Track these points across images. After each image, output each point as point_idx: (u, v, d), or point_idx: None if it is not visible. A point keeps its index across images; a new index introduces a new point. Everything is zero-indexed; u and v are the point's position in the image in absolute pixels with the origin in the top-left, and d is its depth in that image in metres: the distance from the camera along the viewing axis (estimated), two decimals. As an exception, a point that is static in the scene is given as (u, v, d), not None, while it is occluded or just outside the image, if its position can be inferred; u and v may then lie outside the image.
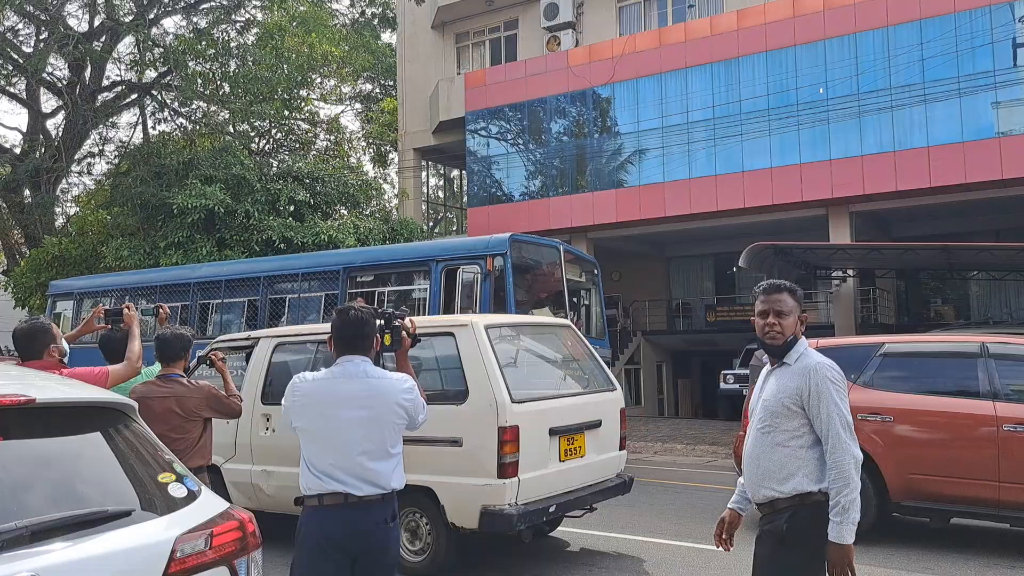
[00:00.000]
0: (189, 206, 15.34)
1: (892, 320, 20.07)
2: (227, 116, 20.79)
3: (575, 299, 10.81)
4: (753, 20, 17.24)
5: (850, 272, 17.16)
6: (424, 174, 26.05)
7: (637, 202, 18.21)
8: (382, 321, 3.41)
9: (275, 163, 19.76)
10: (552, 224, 18.83)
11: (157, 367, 4.46)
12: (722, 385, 16.23)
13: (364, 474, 3.04)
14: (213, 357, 4.79)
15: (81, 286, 13.84)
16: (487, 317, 6.21)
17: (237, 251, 15.71)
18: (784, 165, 16.68)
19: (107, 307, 4.86)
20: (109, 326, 4.72)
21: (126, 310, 4.45)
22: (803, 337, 2.97)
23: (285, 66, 19.67)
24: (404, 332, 3.45)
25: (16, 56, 19.68)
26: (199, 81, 19.82)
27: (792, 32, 16.77)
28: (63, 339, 3.89)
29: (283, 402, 3.25)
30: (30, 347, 3.69)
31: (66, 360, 3.90)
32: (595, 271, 11.41)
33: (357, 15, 21.67)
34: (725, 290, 23.41)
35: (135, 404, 2.67)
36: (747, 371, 13.49)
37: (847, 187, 16.10)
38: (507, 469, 5.05)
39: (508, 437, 5.06)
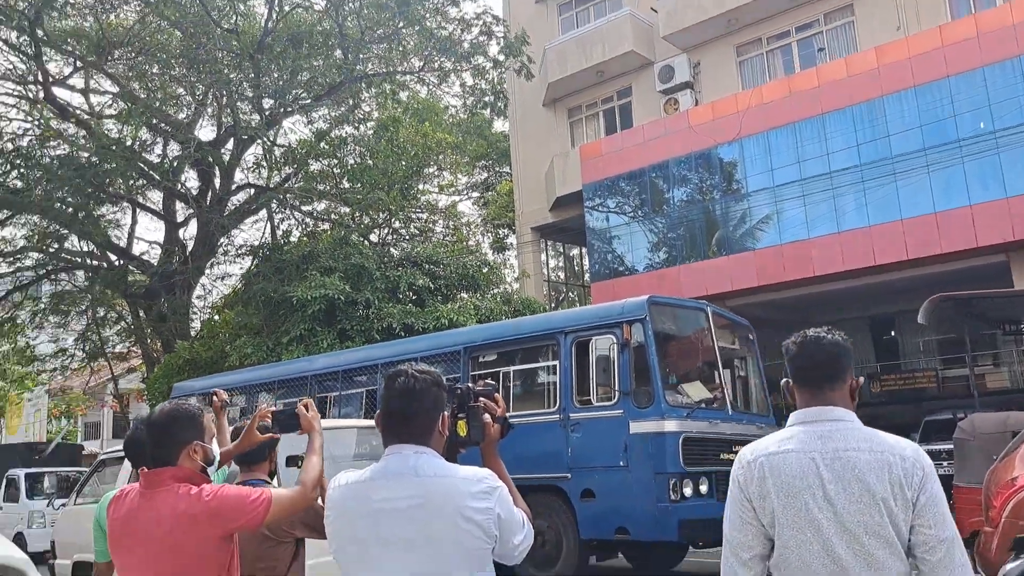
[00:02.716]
0: (309, 298, 15.02)
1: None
2: (346, 211, 20.92)
3: (730, 369, 9.34)
4: (895, 55, 15.67)
5: (1047, 324, 14.68)
6: (543, 255, 25.32)
7: (779, 263, 16.54)
8: (454, 400, 2.27)
9: (395, 251, 19.47)
10: (683, 295, 17.37)
11: (223, 470, 3.43)
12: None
13: None
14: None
15: (203, 386, 13.51)
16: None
17: (358, 341, 15.17)
18: (950, 208, 14.70)
19: (275, 408, 3.03)
20: (277, 434, 2.99)
21: (303, 409, 2.77)
22: None
23: (402, 159, 19.70)
24: (488, 416, 2.28)
25: (151, 171, 20.57)
26: (317, 180, 20.12)
27: (943, 62, 15.05)
28: (215, 441, 2.59)
29: None
30: (164, 444, 2.41)
31: (211, 471, 2.53)
32: (750, 336, 9.91)
33: (469, 103, 21.69)
34: (886, 356, 20.96)
35: (31, 567, 1.59)
36: (949, 446, 11.43)
37: (1031, 226, 13.93)
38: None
39: None
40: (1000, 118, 14.31)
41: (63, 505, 11.17)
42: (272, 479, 3.84)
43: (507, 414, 2.37)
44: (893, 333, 21.33)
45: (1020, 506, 5.20)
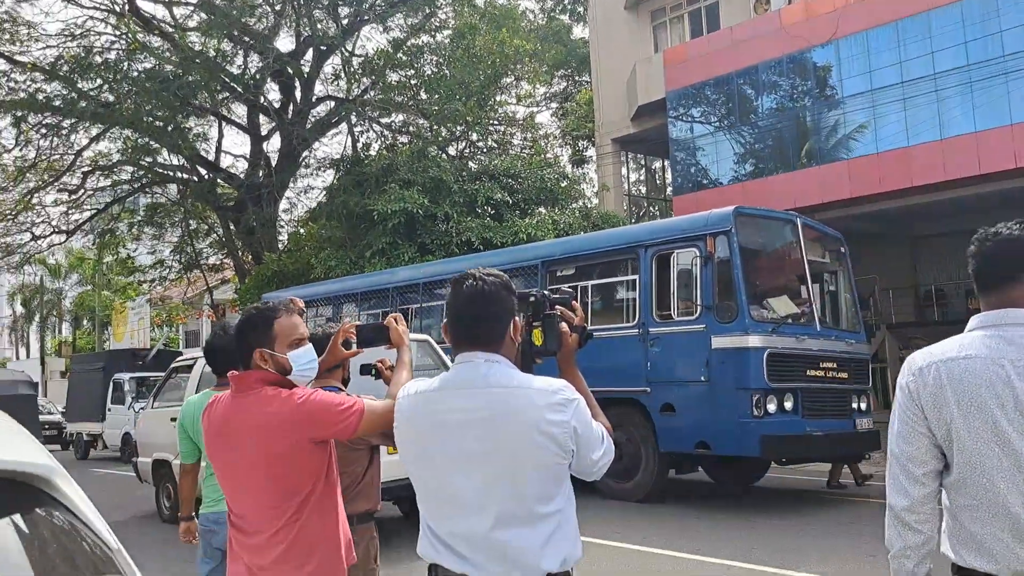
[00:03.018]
0: (388, 211, 15.13)
1: None
2: (424, 123, 20.79)
3: (819, 284, 8.99)
4: (1016, -59, 14.20)
5: None
6: (624, 168, 24.71)
7: (876, 173, 15.65)
8: (529, 308, 2.14)
9: (472, 164, 19.33)
10: (771, 207, 16.70)
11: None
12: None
13: (496, 549, 1.86)
14: (380, 366, 3.76)
15: (289, 297, 13.94)
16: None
17: (438, 255, 15.30)
18: (1070, 110, 13.51)
19: (361, 323, 2.86)
20: (362, 349, 2.84)
21: (394, 322, 2.60)
22: None
23: (479, 68, 19.29)
24: (565, 325, 2.16)
25: (233, 83, 20.80)
26: (395, 91, 19.96)
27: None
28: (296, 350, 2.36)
29: None
30: (239, 348, 2.34)
31: (300, 368, 2.35)
32: (842, 248, 9.48)
33: (547, 7, 20.97)
34: (987, 272, 19.84)
35: (59, 474, 1.51)
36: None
37: None
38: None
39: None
40: None
41: (143, 409, 11.76)
42: (345, 387, 3.91)
43: (585, 323, 2.26)
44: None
45: None
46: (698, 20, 20.89)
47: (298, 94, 22.53)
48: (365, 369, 3.23)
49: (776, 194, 16.96)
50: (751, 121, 18.02)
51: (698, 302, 8.14)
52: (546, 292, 2.24)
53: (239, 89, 21.14)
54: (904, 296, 19.84)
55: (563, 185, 18.94)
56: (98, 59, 20.07)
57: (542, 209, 18.30)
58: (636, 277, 8.88)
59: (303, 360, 2.38)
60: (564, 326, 2.16)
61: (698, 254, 8.20)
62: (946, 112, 14.86)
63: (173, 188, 24.62)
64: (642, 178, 29.00)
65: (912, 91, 15.24)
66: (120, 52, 20.23)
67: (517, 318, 2.07)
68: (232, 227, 23.68)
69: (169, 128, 20.57)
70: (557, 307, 2.20)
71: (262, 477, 2.22)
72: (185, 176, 23.59)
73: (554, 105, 30.16)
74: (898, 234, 19.71)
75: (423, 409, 1.98)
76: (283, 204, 24.77)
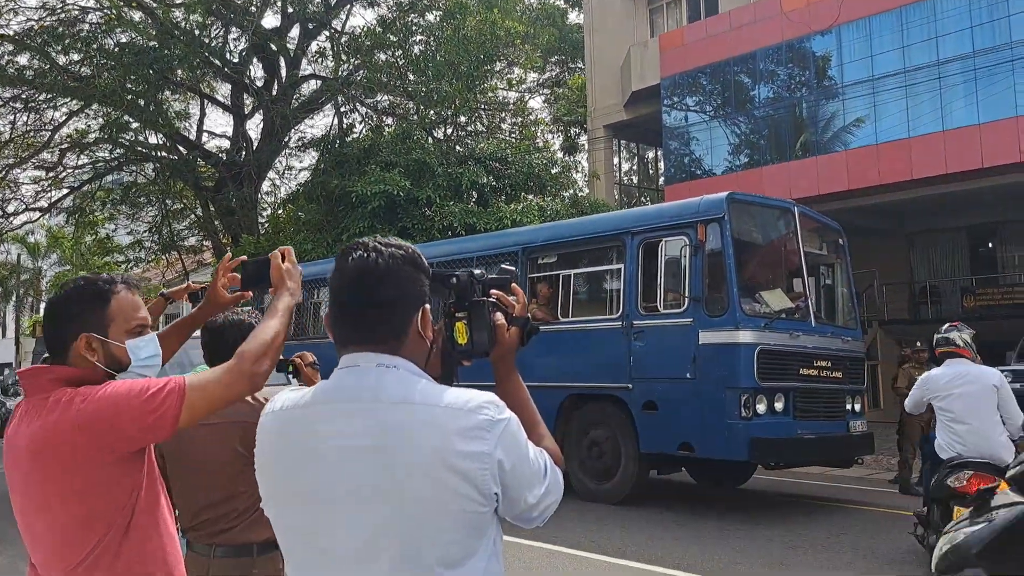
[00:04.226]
0: (368, 193, 14.54)
1: None
2: (411, 106, 20.16)
3: (815, 277, 8.46)
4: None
5: None
6: (616, 157, 24.12)
7: (875, 164, 15.14)
8: (449, 294, 1.57)
9: (459, 148, 18.73)
10: (766, 197, 16.20)
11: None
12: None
13: None
14: (299, 362, 3.20)
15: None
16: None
17: (419, 240, 14.70)
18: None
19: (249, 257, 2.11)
20: (248, 293, 2.24)
21: (279, 257, 1.89)
22: None
23: (469, 48, 18.65)
24: (500, 316, 1.59)
25: (213, 58, 20.12)
26: (383, 71, 19.32)
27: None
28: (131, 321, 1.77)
29: None
30: (53, 333, 1.77)
31: (139, 363, 1.80)
32: (840, 240, 8.95)
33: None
34: (983, 270, 19.41)
35: None
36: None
37: None
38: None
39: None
40: None
41: None
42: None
43: (528, 313, 1.67)
44: (991, 244, 19.69)
45: None
46: (696, 4, 20.32)
47: (283, 72, 21.85)
48: (280, 366, 2.67)
49: (771, 185, 16.43)
50: (748, 110, 17.48)
51: (686, 294, 7.60)
52: (475, 272, 1.66)
53: (220, 64, 20.45)
54: (899, 293, 19.36)
55: (553, 172, 18.35)
56: (74, 30, 19.36)
57: (530, 196, 17.74)
58: (621, 266, 8.33)
59: (145, 352, 1.80)
60: (500, 317, 1.59)
61: (688, 242, 7.65)
62: (949, 103, 14.35)
63: (150, 167, 23.91)
64: (634, 167, 28.43)
65: (914, 79, 14.72)
66: (97, 24, 19.53)
67: (428, 306, 1.50)
68: (211, 208, 23.02)
69: (147, 104, 19.88)
70: (492, 292, 1.63)
71: (49, 514, 1.62)
72: (164, 155, 22.90)
73: (546, 91, 29.52)
74: (894, 229, 19.22)
75: (291, 432, 1.40)
76: (266, 186, 24.17)
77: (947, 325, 5.46)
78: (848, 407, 8.22)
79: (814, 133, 16.50)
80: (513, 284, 1.67)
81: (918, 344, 10.36)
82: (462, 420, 1.33)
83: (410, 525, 1.31)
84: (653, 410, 7.73)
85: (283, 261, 1.88)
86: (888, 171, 14.96)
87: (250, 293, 2.26)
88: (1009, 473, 3.41)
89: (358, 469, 1.33)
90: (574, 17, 28.33)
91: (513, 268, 1.75)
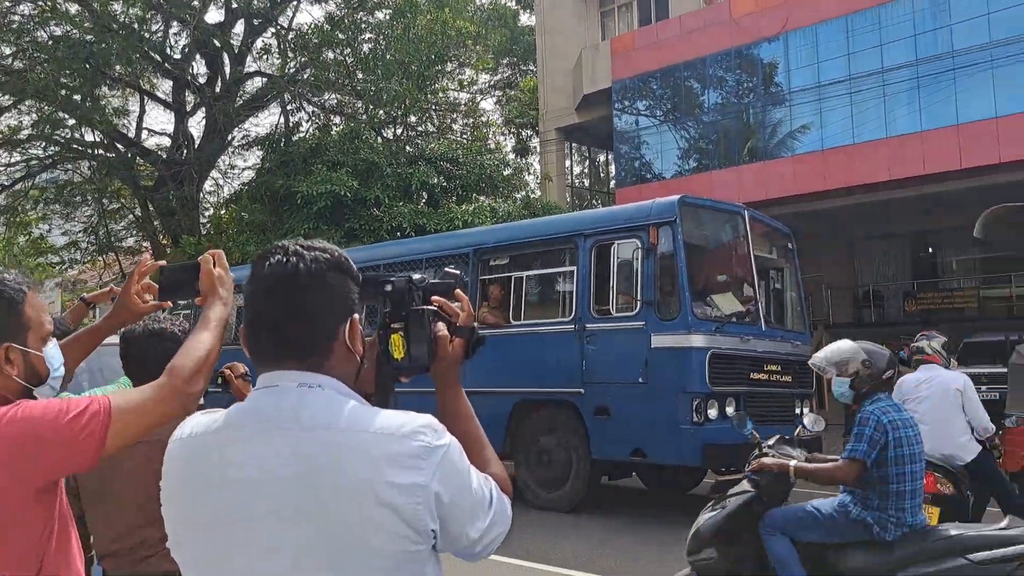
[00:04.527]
0: (314, 193, 14.18)
1: None
2: (360, 105, 19.81)
3: (765, 281, 8.45)
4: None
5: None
6: (568, 160, 24.11)
7: (820, 170, 15.36)
8: (385, 302, 1.41)
9: (409, 148, 18.46)
10: (716, 201, 16.30)
11: (115, 387, 2.66)
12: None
13: None
14: (228, 374, 2.96)
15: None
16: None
17: (367, 241, 14.42)
18: (1015, 113, 13.36)
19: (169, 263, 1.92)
20: (167, 303, 1.98)
21: (209, 260, 1.70)
22: None
23: (420, 47, 18.40)
24: (442, 327, 1.41)
25: (152, 52, 19.49)
26: (331, 70, 18.94)
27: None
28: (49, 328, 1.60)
29: None
30: None
31: (54, 375, 1.63)
32: (789, 244, 8.97)
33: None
34: (923, 275, 19.89)
35: None
36: (990, 369, 10.62)
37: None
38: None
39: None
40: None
41: None
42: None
43: (476, 321, 1.49)
44: (931, 250, 20.19)
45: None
46: (647, 8, 20.40)
47: (227, 69, 21.27)
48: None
49: (721, 189, 16.54)
50: (697, 115, 17.59)
51: (638, 297, 7.50)
52: (414, 277, 1.47)
53: (160, 60, 19.81)
54: (843, 297, 19.73)
55: (505, 173, 18.21)
56: (5, 22, 18.52)
57: (481, 197, 17.57)
58: (574, 268, 8.20)
59: (57, 362, 1.62)
60: (441, 327, 1.41)
61: (640, 245, 7.56)
62: (892, 110, 14.62)
63: (86, 165, 23.05)
64: (586, 170, 28.48)
65: (859, 87, 14.97)
66: (30, 16, 18.73)
67: (358, 316, 1.32)
68: (151, 207, 22.28)
69: (84, 100, 19.14)
70: (434, 299, 1.44)
71: None
72: (101, 152, 22.08)
73: (498, 93, 29.41)
74: (838, 235, 19.57)
75: (200, 460, 1.22)
76: (209, 186, 23.51)
77: (919, 334, 5.91)
78: (797, 410, 8.22)
79: (762, 139, 16.67)
80: (457, 290, 1.49)
81: None
82: (394, 447, 1.16)
83: (337, 547, 1.14)
84: (605, 415, 7.61)
85: (214, 266, 1.67)
86: (833, 177, 15.18)
87: (169, 303, 2.02)
88: (746, 470, 3.80)
89: (277, 502, 1.16)
90: (526, 19, 28.31)
91: (458, 272, 1.56)
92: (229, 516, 1.17)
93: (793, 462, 3.62)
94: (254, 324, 1.26)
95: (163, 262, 1.95)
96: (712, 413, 7.23)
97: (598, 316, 7.84)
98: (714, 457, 7.31)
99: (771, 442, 3.95)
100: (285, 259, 1.26)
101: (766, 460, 3.68)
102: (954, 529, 3.42)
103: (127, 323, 2.08)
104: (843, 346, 3.72)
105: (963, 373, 5.76)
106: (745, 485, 3.80)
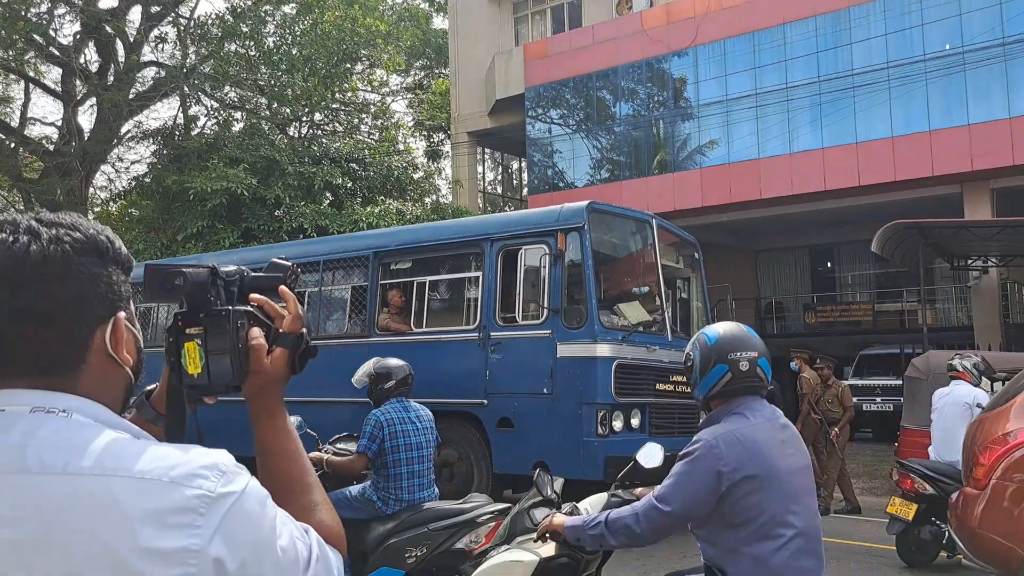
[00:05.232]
0: (208, 190, 13.39)
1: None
2: (262, 101, 18.99)
3: (672, 290, 8.34)
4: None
5: (993, 260, 14.17)
6: (480, 166, 23.83)
7: (727, 183, 15.59)
8: (179, 304, 1.05)
9: (314, 147, 17.79)
10: (625, 211, 16.32)
11: None
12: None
13: None
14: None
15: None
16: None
17: (265, 241, 13.74)
18: (909, 133, 13.87)
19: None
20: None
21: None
22: None
23: (327, 43, 17.76)
24: (257, 333, 1.06)
25: (44, 42, 18.18)
26: (232, 62, 18.07)
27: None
28: None
29: None
30: None
31: None
32: (696, 254, 8.90)
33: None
34: (823, 288, 20.54)
35: None
36: (884, 381, 10.88)
37: (990, 157, 13.22)
38: None
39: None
40: (971, 37, 13.38)
41: None
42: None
43: (304, 326, 1.11)
44: (830, 264, 20.89)
45: (1015, 466, 4.35)
46: (560, 16, 20.36)
47: (120, 57, 20.04)
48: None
49: (631, 199, 16.56)
50: (608, 125, 17.61)
51: (545, 304, 7.23)
52: (216, 267, 1.10)
53: (45, 44, 18.48)
54: (746, 308, 20.12)
55: (414, 177, 17.76)
56: None
57: (388, 199, 17.07)
58: (480, 274, 7.87)
59: None
60: (257, 334, 1.06)
61: (548, 251, 7.29)
62: (796, 127, 14.97)
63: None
64: (498, 177, 28.27)
65: (764, 102, 15.26)
66: None
67: (124, 314, 0.96)
68: (33, 201, 20.75)
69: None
70: (253, 297, 1.09)
71: None
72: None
73: (410, 95, 28.89)
74: (742, 247, 20.00)
75: None
76: (103, 180, 22.11)
77: (954, 353, 6.69)
78: (700, 422, 8.13)
79: (670, 152, 16.82)
80: (282, 287, 1.13)
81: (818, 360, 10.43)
82: (157, 498, 0.82)
83: None
84: (509, 427, 7.30)
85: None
86: (739, 190, 15.42)
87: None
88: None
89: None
90: (439, 22, 27.94)
91: (289, 263, 1.19)
92: None
93: (327, 457, 4.36)
94: None
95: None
96: (617, 425, 7.02)
97: (503, 324, 7.53)
98: (616, 471, 7.09)
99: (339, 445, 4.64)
100: (14, 239, 0.90)
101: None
102: (438, 505, 4.20)
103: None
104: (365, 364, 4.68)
105: (983, 390, 6.22)
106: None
